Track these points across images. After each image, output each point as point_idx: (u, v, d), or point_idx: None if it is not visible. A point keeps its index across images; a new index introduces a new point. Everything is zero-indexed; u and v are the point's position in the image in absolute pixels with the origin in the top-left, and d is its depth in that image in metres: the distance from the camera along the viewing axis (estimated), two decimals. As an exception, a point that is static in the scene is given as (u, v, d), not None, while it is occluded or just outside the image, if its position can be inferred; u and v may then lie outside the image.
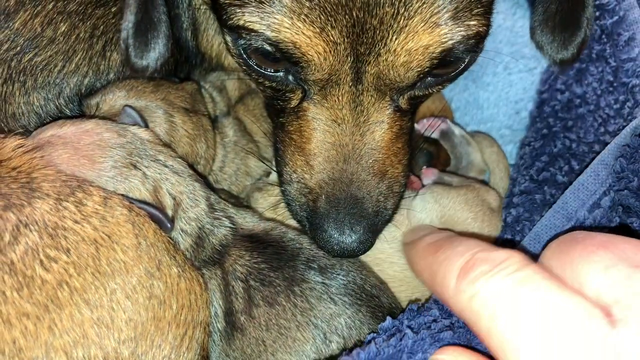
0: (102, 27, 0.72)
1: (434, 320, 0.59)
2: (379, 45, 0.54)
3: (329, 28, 0.54)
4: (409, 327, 0.57)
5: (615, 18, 0.69)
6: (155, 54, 0.66)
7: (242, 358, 0.65)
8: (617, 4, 0.69)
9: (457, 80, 0.65)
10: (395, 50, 0.55)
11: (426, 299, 0.70)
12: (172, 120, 0.73)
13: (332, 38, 0.54)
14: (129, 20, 0.64)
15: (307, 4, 0.53)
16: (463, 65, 0.61)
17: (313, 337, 0.64)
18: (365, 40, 0.54)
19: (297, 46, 0.55)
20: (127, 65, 0.67)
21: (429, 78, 0.60)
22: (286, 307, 0.64)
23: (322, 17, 0.53)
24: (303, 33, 0.54)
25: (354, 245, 0.63)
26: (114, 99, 0.72)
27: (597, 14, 0.71)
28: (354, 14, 0.53)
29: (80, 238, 0.56)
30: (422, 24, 0.53)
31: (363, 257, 0.72)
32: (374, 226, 0.64)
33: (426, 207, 0.73)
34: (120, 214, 0.58)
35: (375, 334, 0.60)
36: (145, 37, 0.66)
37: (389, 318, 0.61)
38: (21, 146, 0.60)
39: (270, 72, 0.61)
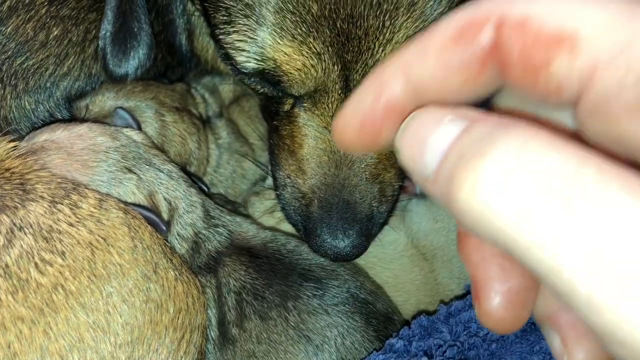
0: (94, 31, 0.72)
1: (441, 346, 0.60)
2: (365, 54, 0.55)
3: (311, 39, 0.54)
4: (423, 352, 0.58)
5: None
6: (135, 63, 0.66)
7: (234, 370, 0.65)
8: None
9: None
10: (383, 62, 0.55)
11: (425, 312, 0.71)
12: (163, 119, 0.73)
13: (314, 49, 0.54)
14: (106, 30, 0.65)
15: (290, 17, 0.53)
16: None
17: (305, 350, 0.63)
18: (351, 49, 0.54)
19: (278, 64, 0.55)
20: (105, 73, 0.67)
21: None
22: (277, 321, 0.64)
23: (304, 30, 0.53)
24: (282, 50, 0.54)
25: (347, 250, 0.63)
26: (103, 100, 0.72)
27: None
28: (338, 25, 0.53)
29: (76, 241, 0.55)
30: (408, 39, 0.54)
31: (357, 261, 0.72)
32: (367, 230, 0.64)
33: (420, 210, 0.73)
34: (116, 217, 0.57)
35: (383, 355, 0.60)
36: (125, 46, 0.65)
37: (398, 340, 0.61)
38: (15, 148, 0.59)
39: (262, 80, 0.61)
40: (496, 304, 0.36)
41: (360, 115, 0.40)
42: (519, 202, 0.24)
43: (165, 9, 0.76)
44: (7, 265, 0.52)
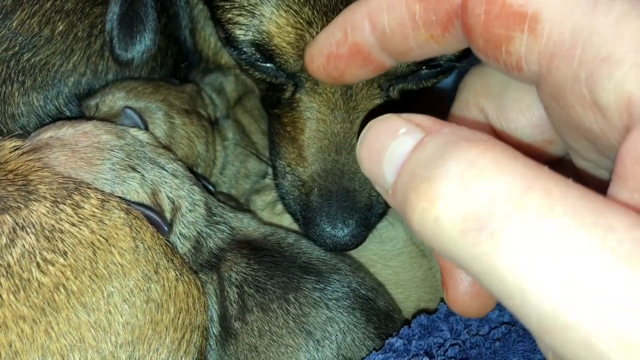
0: (100, 26, 0.71)
1: (442, 345, 0.60)
2: None
3: (307, 9, 0.53)
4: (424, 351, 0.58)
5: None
6: (141, 47, 0.66)
7: (236, 364, 0.65)
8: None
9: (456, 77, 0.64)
10: None
11: (425, 310, 0.70)
12: (172, 121, 0.73)
13: (309, 19, 0.53)
14: (113, 12, 0.64)
15: None
16: (457, 58, 0.59)
17: (306, 344, 0.63)
18: None
19: (271, 36, 0.54)
20: (112, 57, 0.67)
21: (423, 70, 0.59)
22: (279, 313, 0.64)
23: (301, 0, 0.52)
24: (276, 21, 0.53)
25: (346, 239, 0.63)
26: (113, 99, 0.72)
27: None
28: None
29: (77, 241, 0.55)
30: None
31: (358, 259, 0.72)
32: (366, 220, 0.63)
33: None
34: (118, 217, 0.58)
35: (382, 354, 0.60)
36: (131, 29, 0.65)
37: (398, 338, 0.61)
38: (18, 148, 0.60)
39: (262, 63, 0.60)
40: (462, 292, 0.37)
41: (327, 50, 0.42)
42: (464, 226, 0.25)
43: (169, 1, 0.75)
44: (9, 265, 0.53)
